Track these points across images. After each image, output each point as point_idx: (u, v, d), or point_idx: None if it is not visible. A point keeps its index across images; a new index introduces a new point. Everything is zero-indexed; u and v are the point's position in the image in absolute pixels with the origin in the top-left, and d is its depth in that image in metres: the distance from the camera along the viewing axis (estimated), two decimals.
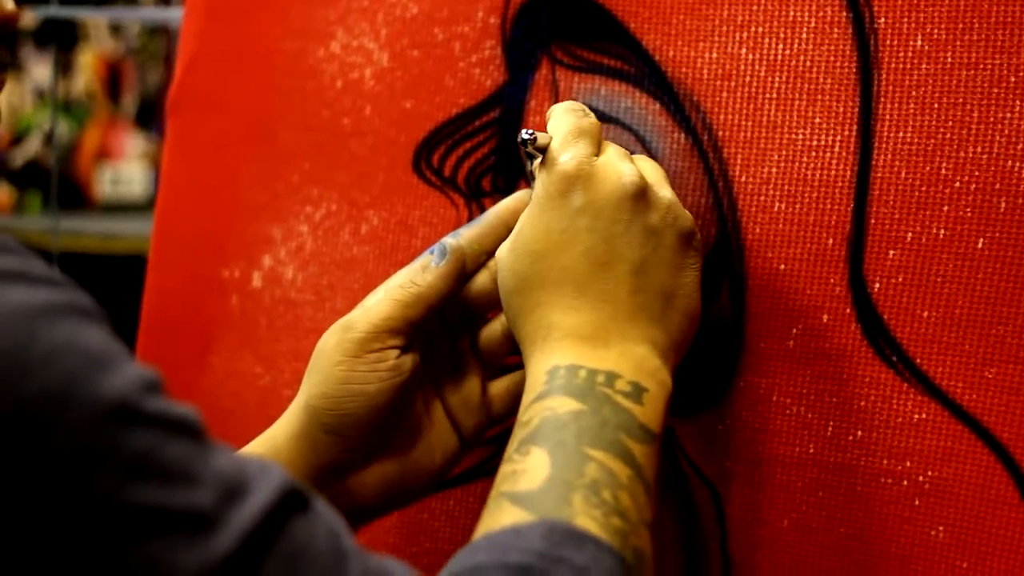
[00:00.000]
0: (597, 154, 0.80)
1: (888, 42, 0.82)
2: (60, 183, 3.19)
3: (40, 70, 3.65)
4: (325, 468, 0.83)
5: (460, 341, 0.89)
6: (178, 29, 1.12)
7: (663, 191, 0.80)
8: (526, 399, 0.75)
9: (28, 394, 0.54)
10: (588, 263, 0.78)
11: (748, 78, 0.86)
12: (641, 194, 0.78)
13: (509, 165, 0.95)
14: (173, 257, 1.11)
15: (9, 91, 3.61)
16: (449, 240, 0.85)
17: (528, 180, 0.83)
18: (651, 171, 0.82)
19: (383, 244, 0.99)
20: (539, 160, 0.80)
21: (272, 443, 0.84)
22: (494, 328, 0.88)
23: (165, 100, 1.12)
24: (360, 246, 1.00)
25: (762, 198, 0.85)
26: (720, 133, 0.87)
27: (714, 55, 0.87)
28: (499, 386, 0.88)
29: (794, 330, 0.84)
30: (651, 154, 0.88)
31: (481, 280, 0.86)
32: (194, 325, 1.09)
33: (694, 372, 0.86)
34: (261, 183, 1.06)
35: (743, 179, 0.86)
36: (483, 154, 0.96)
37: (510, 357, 0.87)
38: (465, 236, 0.86)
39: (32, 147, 3.64)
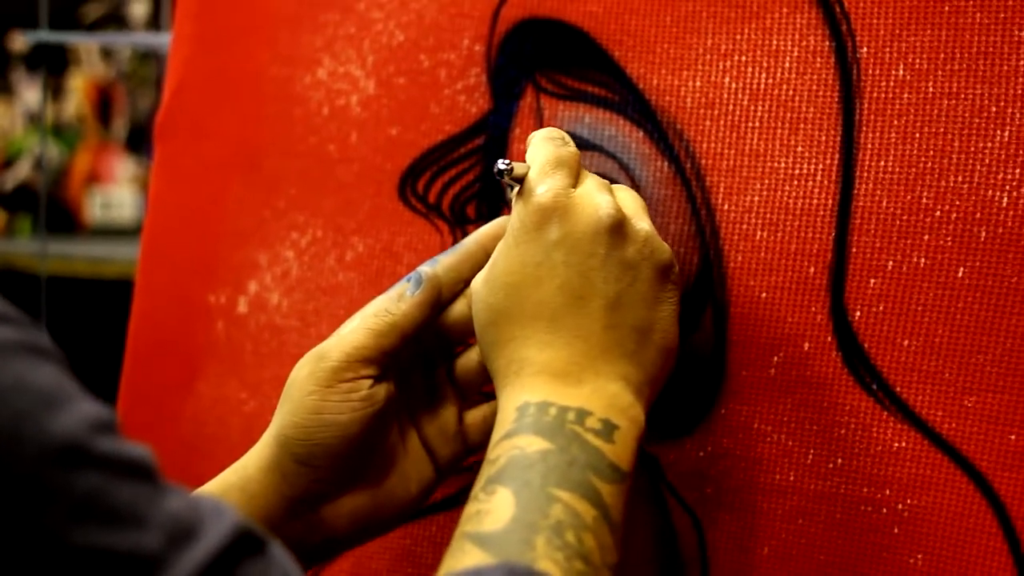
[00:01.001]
0: (575, 185, 0.79)
1: (870, 72, 0.82)
2: (50, 207, 3.20)
3: (31, 94, 3.66)
4: (296, 498, 0.82)
5: (436, 370, 0.87)
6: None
7: (641, 224, 0.79)
8: (495, 436, 0.74)
9: None
10: (563, 297, 0.77)
11: (731, 107, 0.86)
12: (618, 227, 0.77)
13: (493, 192, 0.95)
14: (159, 282, 1.11)
15: None
16: (425, 268, 0.84)
17: (510, 208, 0.83)
18: (630, 203, 0.80)
19: (368, 270, 0.99)
20: (516, 190, 0.80)
21: (244, 473, 0.83)
22: (471, 357, 0.86)
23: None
24: (345, 272, 1.00)
25: (744, 226, 0.85)
26: (703, 161, 0.87)
27: (698, 83, 0.87)
28: (476, 415, 0.87)
29: (775, 358, 0.84)
30: (634, 182, 0.89)
31: (458, 308, 0.85)
32: (180, 350, 1.09)
33: (676, 399, 0.86)
34: (247, 209, 1.06)
35: (725, 207, 0.86)
36: (468, 181, 0.96)
37: (487, 385, 0.86)
38: (442, 264, 0.84)
39: (22, 171, 3.65)
